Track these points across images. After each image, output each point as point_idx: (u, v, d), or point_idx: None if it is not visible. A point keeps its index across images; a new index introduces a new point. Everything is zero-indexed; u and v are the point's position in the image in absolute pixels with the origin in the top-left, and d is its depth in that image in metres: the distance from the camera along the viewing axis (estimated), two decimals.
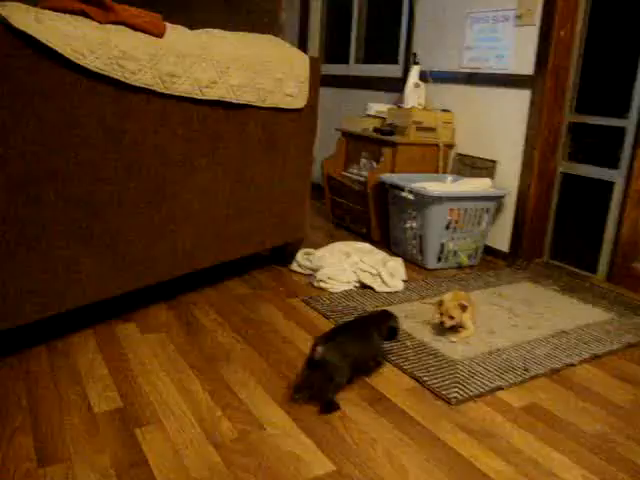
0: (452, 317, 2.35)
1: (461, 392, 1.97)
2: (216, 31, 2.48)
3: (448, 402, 1.92)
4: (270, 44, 2.70)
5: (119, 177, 2.10)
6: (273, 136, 2.75)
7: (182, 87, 2.21)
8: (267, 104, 2.64)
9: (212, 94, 2.36)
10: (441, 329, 2.42)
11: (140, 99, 2.08)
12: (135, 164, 2.15)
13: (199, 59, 2.25)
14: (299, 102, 2.81)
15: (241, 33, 2.59)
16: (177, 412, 1.78)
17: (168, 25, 2.19)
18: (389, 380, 2.05)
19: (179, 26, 2.31)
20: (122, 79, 1.96)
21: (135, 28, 2.00)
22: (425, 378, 2.05)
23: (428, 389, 2.00)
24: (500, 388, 2.04)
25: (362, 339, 2.01)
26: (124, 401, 1.81)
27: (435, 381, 2.03)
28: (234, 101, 2.47)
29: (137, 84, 2.02)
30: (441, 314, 2.38)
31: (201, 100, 2.34)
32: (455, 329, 2.43)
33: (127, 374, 1.98)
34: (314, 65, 2.91)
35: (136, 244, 2.24)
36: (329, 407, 1.85)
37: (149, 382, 1.94)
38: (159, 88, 2.11)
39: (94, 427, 1.68)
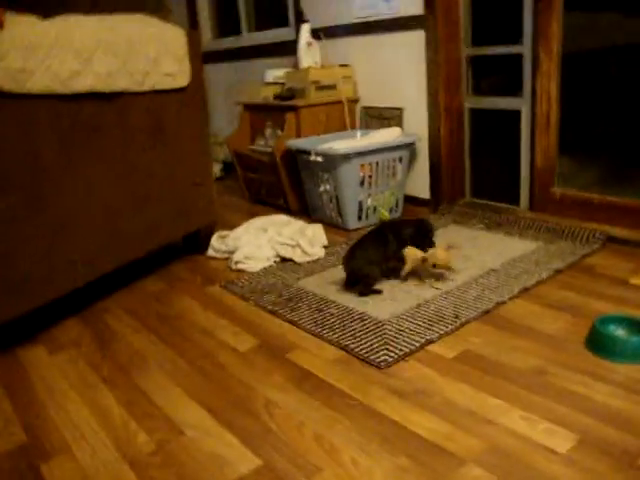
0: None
1: (390, 353, 1.87)
2: (73, 17, 2.27)
3: (377, 367, 1.82)
4: (138, 23, 2.50)
5: None
6: (160, 119, 2.57)
7: (40, 83, 2.00)
8: (145, 87, 2.46)
9: (78, 86, 2.16)
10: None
11: None
12: (2, 176, 1.94)
13: (53, 50, 2.04)
14: (181, 80, 2.64)
15: (102, 15, 2.38)
16: (89, 434, 1.63)
17: (10, 15, 1.97)
18: (314, 355, 1.94)
19: (27, 16, 2.09)
20: None
21: None
22: (352, 345, 1.94)
23: (356, 356, 1.89)
24: (431, 341, 1.95)
25: (377, 243, 2.42)
26: (28, 435, 1.65)
27: (362, 347, 1.93)
28: (106, 90, 2.28)
29: None
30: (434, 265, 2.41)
31: (68, 95, 2.14)
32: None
33: (33, 403, 1.81)
34: (193, 39, 2.73)
35: (22, 263, 2.05)
36: (364, 293, 2.35)
37: (57, 407, 1.77)
38: (10, 88, 1.90)
39: None
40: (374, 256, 2.38)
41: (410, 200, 3.56)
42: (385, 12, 3.43)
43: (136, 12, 2.57)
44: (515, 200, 3.25)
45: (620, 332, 1.87)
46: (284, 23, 4.37)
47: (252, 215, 3.52)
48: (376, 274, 2.39)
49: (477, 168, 3.45)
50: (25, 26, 2.00)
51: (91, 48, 2.18)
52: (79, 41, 2.15)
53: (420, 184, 3.53)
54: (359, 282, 2.38)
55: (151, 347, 2.10)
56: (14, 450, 1.59)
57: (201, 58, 2.77)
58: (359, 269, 2.37)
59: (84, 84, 2.17)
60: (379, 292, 2.37)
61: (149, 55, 2.45)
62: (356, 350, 1.91)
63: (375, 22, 3.52)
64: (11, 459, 1.55)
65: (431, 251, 2.40)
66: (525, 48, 2.98)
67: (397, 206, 3.39)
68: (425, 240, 2.46)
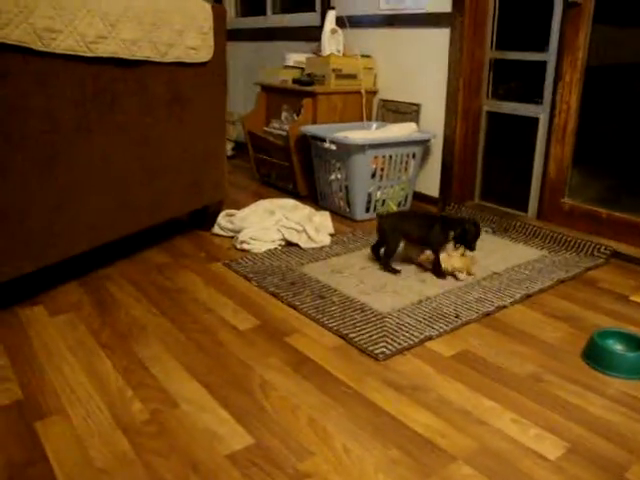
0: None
1: (389, 346, 1.88)
2: None
3: (375, 358, 1.83)
4: None
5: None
6: (178, 93, 2.56)
7: (64, 44, 2.00)
8: (168, 59, 2.45)
9: (102, 51, 2.16)
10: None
11: (15, 58, 1.87)
12: (18, 132, 1.94)
13: (82, 11, 2.03)
14: (204, 55, 2.63)
15: None
16: (84, 398, 1.64)
17: None
18: (313, 340, 1.95)
19: None
20: None
21: None
22: (351, 335, 1.95)
23: (354, 346, 1.90)
24: (430, 338, 1.96)
25: (421, 225, 2.47)
26: (24, 392, 1.66)
27: (362, 337, 1.94)
28: (129, 57, 2.27)
29: (7, 41, 1.81)
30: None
31: (91, 58, 2.13)
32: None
33: (31, 362, 1.82)
34: (219, 15, 2.72)
35: (31, 222, 2.05)
36: (384, 267, 2.50)
37: (55, 368, 1.78)
38: (36, 46, 1.90)
39: None
40: (409, 230, 2.48)
41: (419, 197, 3.56)
42: (412, 7, 3.42)
43: None
44: (524, 207, 3.25)
45: (618, 347, 1.88)
46: (310, 8, 4.35)
47: (260, 196, 3.53)
48: (394, 247, 2.49)
49: (489, 171, 3.45)
50: None
51: (118, 14, 2.18)
52: (107, 5, 2.14)
53: (430, 182, 3.53)
54: (382, 245, 2.52)
55: (151, 318, 2.11)
56: (10, 405, 1.59)
57: (225, 34, 2.76)
58: (384, 231, 2.49)
59: (108, 49, 2.17)
60: (397, 272, 2.47)
61: (174, 27, 2.44)
62: (355, 340, 1.92)
63: (401, 16, 3.51)
64: (6, 414, 1.56)
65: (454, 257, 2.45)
66: (550, 56, 2.97)
67: (406, 201, 3.39)
68: (466, 244, 2.47)
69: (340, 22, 3.78)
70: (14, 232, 2.00)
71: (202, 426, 1.52)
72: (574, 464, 1.39)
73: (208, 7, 2.64)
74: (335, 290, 2.31)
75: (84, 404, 1.61)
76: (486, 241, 2.89)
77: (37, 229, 2.08)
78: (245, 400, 1.63)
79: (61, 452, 1.42)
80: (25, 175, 1.99)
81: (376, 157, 3.11)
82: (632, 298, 2.30)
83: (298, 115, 3.60)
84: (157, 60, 2.40)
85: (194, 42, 2.55)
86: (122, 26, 2.20)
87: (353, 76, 3.64)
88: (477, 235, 2.47)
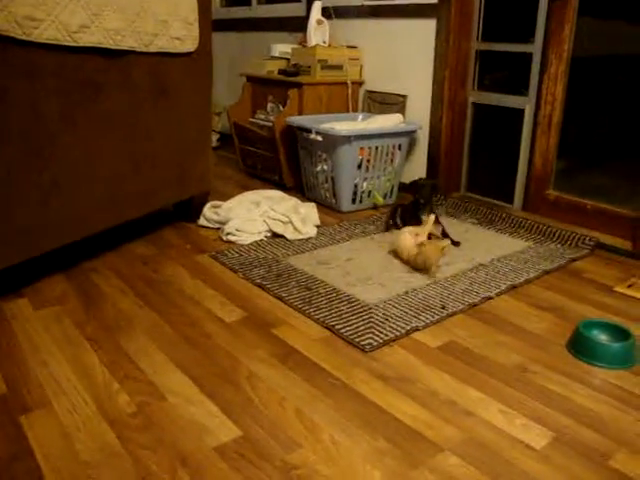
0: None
1: (376, 337, 1.89)
2: None
3: (362, 349, 1.83)
4: None
5: None
6: (163, 83, 2.54)
7: (47, 33, 1.97)
8: (152, 49, 2.43)
9: (86, 40, 2.13)
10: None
11: None
12: (1, 125, 1.91)
13: (64, 0, 2.01)
14: (189, 45, 2.61)
15: None
16: (69, 391, 1.63)
17: None
18: (300, 332, 1.95)
19: None
20: None
21: None
22: (338, 326, 1.95)
23: (341, 337, 1.91)
24: (417, 329, 1.97)
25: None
26: (9, 387, 1.64)
27: (348, 328, 1.94)
28: (113, 47, 2.25)
29: None
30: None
31: (74, 47, 2.11)
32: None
33: (15, 356, 1.80)
34: (203, 5, 2.69)
35: (17, 214, 2.03)
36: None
37: (40, 362, 1.77)
38: (16, 34, 1.87)
39: None
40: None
41: (405, 188, 3.55)
42: None
43: None
44: (509, 198, 3.27)
45: (602, 337, 1.90)
46: None
47: (245, 188, 3.52)
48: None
49: (474, 163, 3.46)
50: None
51: (101, 3, 2.15)
52: None
53: (416, 173, 3.53)
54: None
55: (137, 310, 2.10)
56: None
57: (211, 25, 2.74)
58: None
59: (91, 38, 2.14)
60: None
61: (159, 17, 2.42)
62: (342, 331, 1.92)
63: (387, 6, 3.50)
64: None
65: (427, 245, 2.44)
66: (535, 48, 2.98)
67: (392, 192, 3.39)
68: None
69: (326, 13, 3.77)
70: (1, 225, 1.98)
71: (189, 418, 1.51)
72: (560, 453, 1.40)
73: None
74: (321, 281, 2.31)
75: (70, 397, 1.60)
76: (472, 232, 2.91)
77: (23, 222, 2.06)
78: (232, 392, 1.63)
79: (46, 446, 1.41)
80: (10, 167, 1.96)
81: (362, 148, 3.11)
82: (616, 289, 2.31)
83: (284, 106, 3.59)
84: (141, 50, 2.38)
85: (179, 32, 2.53)
86: (106, 15, 2.17)
87: (339, 67, 3.63)
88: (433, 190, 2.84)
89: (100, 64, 2.24)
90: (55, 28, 1.99)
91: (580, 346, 1.84)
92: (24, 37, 1.89)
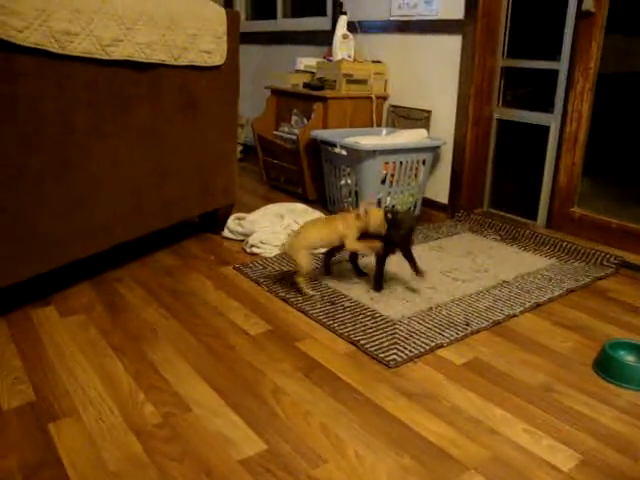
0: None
1: (400, 353, 1.89)
2: None
3: (387, 365, 1.83)
4: None
5: (15, 149, 1.90)
6: (191, 96, 2.57)
7: (81, 47, 2.01)
8: (181, 62, 2.46)
9: (118, 54, 2.17)
10: None
11: (32, 61, 1.88)
12: (33, 134, 1.95)
13: (98, 14, 2.04)
14: (217, 59, 2.64)
15: None
16: (96, 400, 1.64)
17: None
18: (324, 346, 1.95)
19: None
20: (5, 37, 1.75)
21: None
22: (362, 341, 1.95)
23: (366, 353, 1.91)
24: (441, 346, 1.96)
25: None
26: (37, 394, 1.66)
27: (373, 344, 1.94)
28: (144, 60, 2.28)
29: (25, 44, 1.82)
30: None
31: (106, 61, 2.14)
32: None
33: (43, 363, 1.82)
34: (232, 20, 2.73)
35: (45, 223, 2.06)
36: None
37: (67, 370, 1.79)
38: (53, 48, 1.91)
39: (1, 427, 1.53)
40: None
41: (428, 203, 3.56)
42: (424, 13, 3.43)
43: None
44: (533, 215, 3.25)
45: (629, 358, 1.88)
46: (321, 12, 4.36)
47: (269, 200, 3.54)
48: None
49: (498, 179, 3.45)
50: None
51: (134, 17, 2.18)
52: (122, 8, 2.15)
53: (440, 188, 3.53)
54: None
55: (162, 321, 2.11)
56: (23, 407, 1.60)
57: (239, 39, 2.77)
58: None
59: (123, 52, 2.17)
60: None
61: (188, 31, 2.45)
62: (366, 346, 1.92)
63: (413, 22, 3.51)
64: (20, 415, 1.57)
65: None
66: (562, 65, 2.97)
67: (415, 207, 3.39)
68: None
69: (351, 27, 3.79)
70: (29, 234, 2.01)
71: (215, 430, 1.52)
72: (587, 476, 1.39)
73: (223, 12, 2.65)
74: (345, 296, 2.31)
75: (96, 406, 1.62)
76: (495, 249, 2.90)
77: (51, 231, 2.09)
78: (257, 405, 1.63)
79: (74, 454, 1.43)
80: (39, 177, 2.00)
81: (386, 163, 3.11)
82: None
83: (308, 119, 3.61)
84: (171, 63, 2.41)
85: (208, 46, 2.56)
86: (138, 29, 2.21)
87: (364, 81, 3.64)
88: None
89: (131, 77, 2.27)
90: (89, 42, 2.02)
91: (607, 367, 1.83)
92: (60, 51, 1.93)
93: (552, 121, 3.07)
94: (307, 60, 4.00)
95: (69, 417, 1.57)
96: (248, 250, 2.76)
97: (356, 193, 3.18)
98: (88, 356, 1.87)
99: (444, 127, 3.44)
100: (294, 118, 3.82)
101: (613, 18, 2.79)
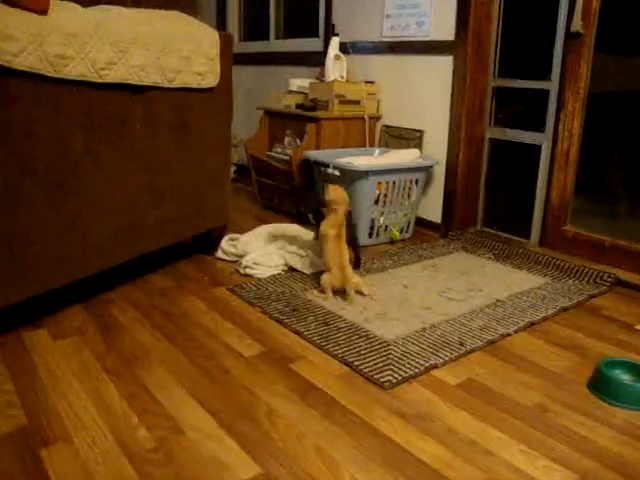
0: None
1: (394, 374, 1.88)
2: (112, 7, 2.29)
3: (381, 386, 1.83)
4: (175, 20, 2.52)
5: (9, 173, 1.90)
6: (185, 118, 2.58)
7: (76, 70, 2.02)
8: (175, 84, 2.47)
9: (112, 77, 2.18)
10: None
11: (26, 84, 1.88)
12: (28, 157, 1.95)
13: (93, 38, 2.06)
14: (210, 81, 2.65)
15: (141, 9, 2.40)
16: (89, 424, 1.63)
17: (53, 1, 1.99)
18: (319, 367, 1.95)
19: (68, 2, 2.11)
20: (0, 62, 1.76)
21: (11, 3, 1.79)
22: (357, 362, 1.94)
23: (360, 374, 1.90)
24: (435, 366, 1.96)
25: None
26: (29, 418, 1.65)
27: (367, 365, 1.93)
28: (138, 83, 2.29)
29: (20, 68, 1.82)
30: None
31: (100, 84, 2.15)
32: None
33: (35, 387, 1.81)
34: (225, 42, 2.75)
35: (39, 246, 2.05)
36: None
37: (59, 393, 1.77)
38: (48, 72, 1.92)
39: None
40: None
41: (421, 223, 3.57)
42: (416, 34, 3.46)
43: (171, 8, 2.61)
44: (526, 234, 3.27)
45: (624, 377, 1.88)
46: (313, 33, 4.39)
47: (262, 220, 3.54)
48: None
49: (491, 198, 3.47)
50: (67, 13, 2.02)
51: (128, 40, 2.20)
52: (117, 32, 2.16)
53: (433, 208, 3.55)
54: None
55: (155, 343, 2.10)
56: (14, 432, 1.58)
57: (232, 61, 2.79)
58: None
59: (117, 75, 2.19)
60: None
61: (182, 53, 2.46)
62: (360, 367, 1.92)
63: (405, 43, 3.55)
64: (11, 441, 1.55)
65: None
66: (552, 85, 3.00)
67: (408, 227, 3.40)
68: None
69: (344, 48, 3.82)
70: (21, 256, 2.00)
71: (209, 455, 1.51)
72: None
73: (215, 34, 2.66)
74: (339, 317, 2.31)
75: (89, 430, 1.60)
76: (488, 267, 2.90)
77: (45, 253, 2.08)
78: (251, 428, 1.62)
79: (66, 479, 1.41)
80: (33, 199, 2.00)
81: (379, 183, 3.12)
82: (637, 327, 2.30)
83: (301, 140, 3.63)
84: (165, 86, 2.42)
85: (201, 68, 2.58)
86: (132, 52, 2.22)
87: (356, 102, 3.67)
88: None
89: (125, 99, 2.28)
90: (84, 65, 2.03)
91: (602, 386, 1.82)
92: (54, 74, 1.94)
93: (544, 140, 3.09)
94: (300, 81, 4.03)
95: (61, 442, 1.55)
96: (242, 271, 2.75)
97: (349, 213, 3.18)
98: (81, 379, 1.85)
99: (437, 147, 3.46)
100: (287, 139, 3.84)
101: (602, 38, 2.82)
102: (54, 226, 2.09)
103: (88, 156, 2.17)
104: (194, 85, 2.57)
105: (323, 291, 2.49)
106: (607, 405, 1.77)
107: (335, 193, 2.60)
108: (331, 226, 2.54)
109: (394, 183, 3.18)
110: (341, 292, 2.50)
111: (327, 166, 3.18)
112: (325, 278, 2.48)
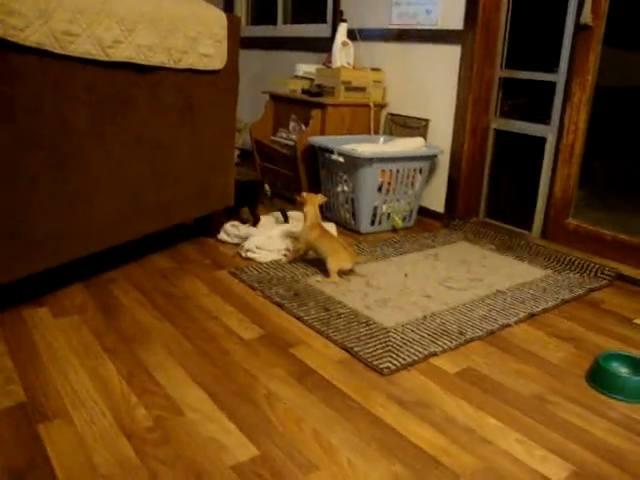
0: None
1: (394, 361, 1.88)
2: None
3: (380, 373, 1.83)
4: (182, 0, 2.50)
5: (12, 148, 1.90)
6: (190, 99, 2.57)
7: (82, 47, 2.01)
8: (181, 65, 2.46)
9: (118, 55, 2.17)
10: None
11: (32, 60, 1.87)
12: (32, 134, 1.94)
13: (100, 16, 2.04)
14: (217, 63, 2.64)
15: None
16: (88, 402, 1.63)
17: None
18: (318, 352, 1.95)
19: None
20: (5, 37, 1.75)
21: None
22: (356, 348, 1.95)
23: (359, 360, 1.90)
24: (434, 354, 1.96)
25: None
26: (28, 394, 1.65)
27: (367, 351, 1.94)
28: (144, 63, 2.28)
29: (26, 44, 1.81)
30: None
31: (106, 62, 2.14)
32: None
33: (34, 364, 1.81)
34: (233, 24, 2.73)
35: (41, 223, 2.05)
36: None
37: (59, 371, 1.78)
38: (53, 48, 1.91)
39: None
40: None
41: (424, 212, 3.57)
42: (424, 22, 3.44)
43: None
44: (528, 226, 3.26)
45: (622, 370, 1.88)
46: (321, 19, 4.37)
47: (263, 204, 3.52)
48: None
49: (494, 189, 3.46)
50: None
51: (135, 19, 2.19)
52: (124, 10, 2.15)
53: (436, 197, 3.54)
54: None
55: (155, 323, 2.11)
56: (13, 408, 1.59)
57: (239, 44, 2.77)
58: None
59: (124, 54, 2.18)
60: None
61: (189, 34, 2.45)
62: (360, 353, 1.92)
63: (413, 31, 3.52)
64: (9, 416, 1.55)
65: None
66: (559, 77, 2.99)
67: (411, 216, 3.39)
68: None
69: (351, 35, 3.80)
70: (25, 233, 2.00)
71: (207, 435, 1.51)
72: None
73: (223, 16, 2.65)
74: (339, 302, 2.31)
75: (88, 408, 1.61)
76: (490, 258, 2.90)
77: (48, 230, 2.08)
78: (250, 410, 1.63)
79: (64, 456, 1.42)
80: (37, 177, 1.99)
81: (383, 171, 3.12)
82: (636, 321, 2.30)
83: (306, 125, 3.61)
84: (171, 66, 2.41)
85: (208, 50, 2.56)
86: (138, 31, 2.21)
87: (362, 89, 3.65)
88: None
89: (130, 78, 2.27)
90: (90, 43, 2.02)
91: (599, 378, 1.83)
92: (60, 51, 1.93)
93: (549, 132, 3.08)
94: (306, 67, 4.01)
95: (60, 419, 1.56)
96: (243, 255, 2.75)
97: (352, 200, 3.18)
98: (81, 358, 1.86)
99: (441, 136, 3.45)
100: (292, 124, 3.83)
101: (611, 32, 2.81)
102: (56, 203, 2.09)
103: (92, 135, 2.16)
104: (200, 67, 2.56)
105: (329, 276, 2.49)
106: (605, 397, 1.77)
107: (301, 199, 2.72)
108: (310, 231, 2.62)
109: (398, 171, 3.17)
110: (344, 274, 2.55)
111: (331, 152, 3.17)
112: (332, 262, 2.49)
